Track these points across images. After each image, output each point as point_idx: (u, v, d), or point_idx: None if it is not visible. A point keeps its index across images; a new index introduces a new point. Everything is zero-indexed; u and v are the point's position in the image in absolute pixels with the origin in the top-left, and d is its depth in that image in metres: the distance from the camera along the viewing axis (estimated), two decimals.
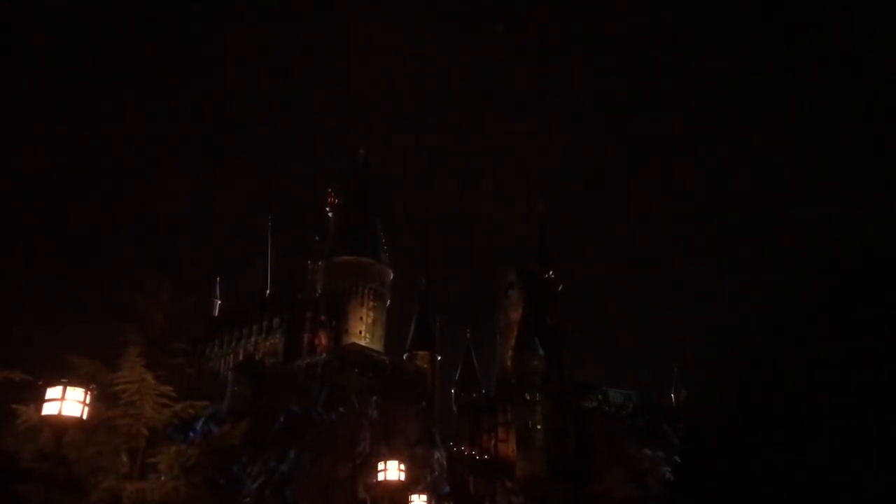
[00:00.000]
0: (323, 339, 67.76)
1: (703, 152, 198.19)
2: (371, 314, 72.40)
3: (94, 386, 10.44)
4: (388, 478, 18.37)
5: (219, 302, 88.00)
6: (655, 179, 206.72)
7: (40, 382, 10.27)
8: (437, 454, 57.98)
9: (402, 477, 18.57)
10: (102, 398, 12.48)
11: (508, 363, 75.10)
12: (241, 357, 70.57)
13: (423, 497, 22.37)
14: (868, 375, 18.54)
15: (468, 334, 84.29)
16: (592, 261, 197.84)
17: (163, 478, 13.61)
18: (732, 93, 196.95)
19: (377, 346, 69.28)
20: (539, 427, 68.77)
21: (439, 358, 74.39)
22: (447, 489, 56.72)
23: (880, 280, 19.40)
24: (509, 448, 69.96)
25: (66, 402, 9.83)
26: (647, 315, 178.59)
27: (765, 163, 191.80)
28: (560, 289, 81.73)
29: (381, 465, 19.04)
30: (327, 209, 78.37)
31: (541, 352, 72.19)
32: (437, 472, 56.14)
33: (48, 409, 9.87)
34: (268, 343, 69.80)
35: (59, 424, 9.98)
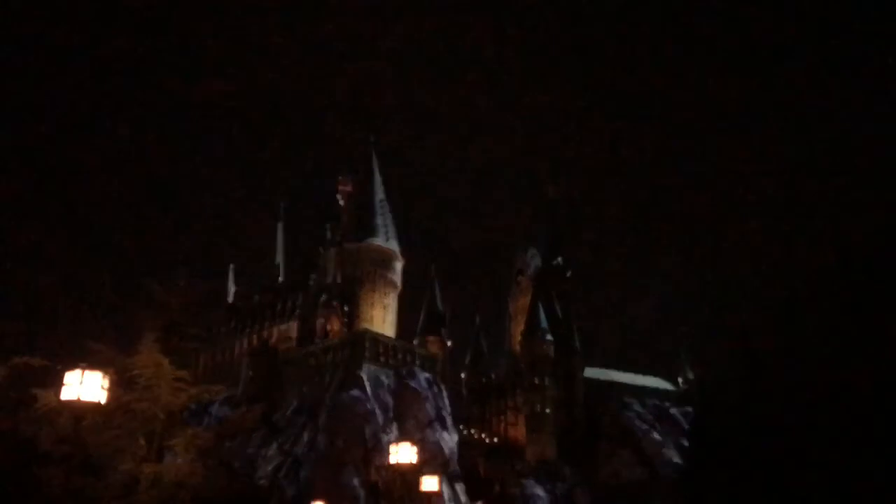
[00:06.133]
0: (335, 324, 68.21)
1: (712, 138, 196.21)
2: (382, 300, 72.72)
3: (112, 371, 10.71)
4: (400, 460, 18.75)
5: (233, 288, 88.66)
6: (664, 166, 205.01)
7: (59, 367, 10.54)
8: (447, 437, 58.42)
9: (414, 459, 18.95)
10: (120, 383, 12.80)
11: (518, 348, 75.31)
12: (255, 342, 71.19)
13: (434, 479, 22.72)
14: (876, 358, 18.57)
15: (478, 320, 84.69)
16: (602, 246, 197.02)
17: (179, 460, 13.94)
18: (737, 82, 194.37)
19: (389, 332, 69.63)
20: (548, 411, 69.05)
21: (449, 343, 74.76)
22: (458, 472, 57.22)
23: (887, 264, 19.36)
24: (519, 432, 70.37)
25: (85, 387, 10.07)
26: (656, 299, 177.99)
27: (774, 149, 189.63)
28: (569, 274, 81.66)
29: (393, 448, 19.44)
30: (338, 196, 78.53)
31: (550, 337, 72.30)
32: (447, 455, 56.60)
33: (67, 394, 10.12)
34: (281, 328, 70.31)
35: (78, 409, 10.23)
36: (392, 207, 78.32)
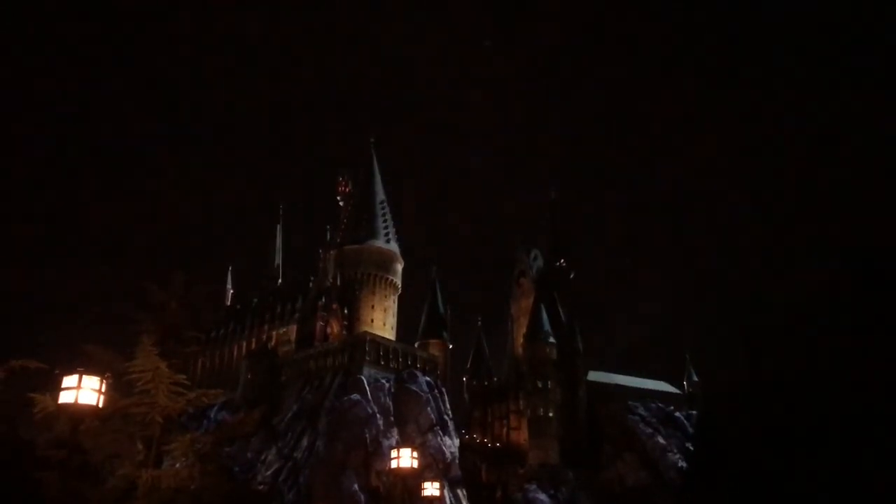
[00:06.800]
0: (335, 327, 67.97)
1: (716, 140, 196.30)
2: (383, 302, 72.51)
3: (110, 374, 10.52)
4: (401, 465, 18.50)
5: (231, 291, 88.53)
6: (669, 169, 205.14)
7: (56, 371, 10.37)
8: (449, 442, 58.11)
9: (415, 464, 18.68)
10: (117, 387, 12.58)
11: (520, 351, 74.97)
12: (254, 345, 70.95)
13: (436, 484, 22.46)
14: (881, 363, 18.34)
15: (479, 322, 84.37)
16: (604, 248, 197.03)
17: (177, 465, 13.72)
18: (737, 81, 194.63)
19: (389, 335, 69.41)
20: (551, 415, 68.68)
21: (451, 346, 74.47)
22: (459, 476, 56.86)
23: (893, 268, 19.14)
24: (521, 436, 70.01)
25: (82, 391, 9.96)
26: (660, 302, 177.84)
27: (777, 145, 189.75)
28: (571, 276, 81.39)
29: (394, 453, 19.18)
30: (338, 198, 78.35)
31: (552, 339, 72.00)
32: (449, 460, 56.28)
33: (64, 398, 10.00)
34: (281, 331, 70.09)
35: (76, 413, 10.11)
36: (392, 208, 78.25)
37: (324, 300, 69.02)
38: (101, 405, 10.16)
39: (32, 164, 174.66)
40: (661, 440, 70.45)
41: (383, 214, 76.12)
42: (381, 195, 77.75)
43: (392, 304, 73.63)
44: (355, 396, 56.41)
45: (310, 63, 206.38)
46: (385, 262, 73.55)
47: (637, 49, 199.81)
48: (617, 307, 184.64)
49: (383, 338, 65.62)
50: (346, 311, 69.40)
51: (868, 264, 20.13)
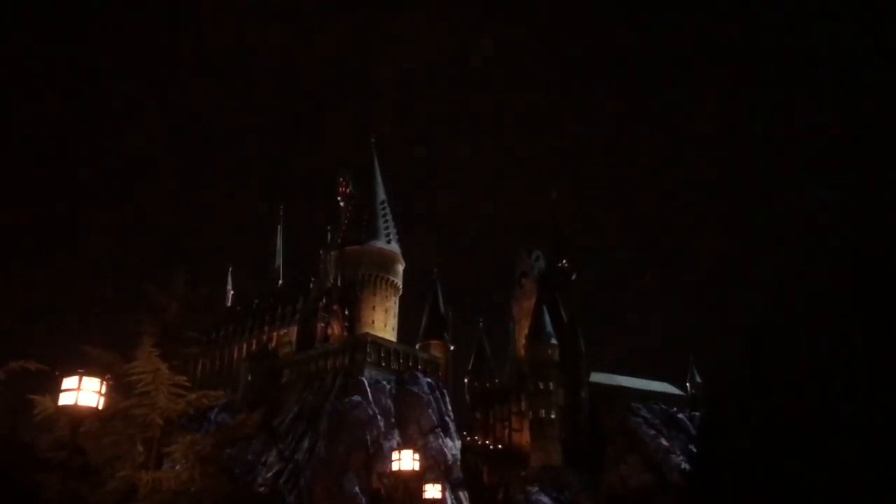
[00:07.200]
0: (336, 328, 67.91)
1: (716, 138, 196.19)
2: (384, 303, 72.44)
3: (110, 376, 10.44)
4: (402, 467, 18.40)
5: (231, 292, 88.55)
6: (669, 167, 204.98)
7: (56, 373, 10.30)
8: (450, 443, 58.02)
9: (417, 466, 18.58)
10: (118, 388, 12.50)
11: (522, 352, 74.92)
12: (254, 347, 70.93)
13: (437, 486, 22.33)
14: (883, 362, 18.27)
15: (481, 324, 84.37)
16: (607, 248, 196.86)
17: (178, 467, 13.64)
18: (743, 78, 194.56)
19: (390, 336, 69.34)
20: (553, 417, 68.59)
21: (452, 347, 74.41)
22: (461, 479, 56.78)
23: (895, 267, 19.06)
24: (523, 437, 69.93)
25: (83, 393, 9.88)
26: (663, 303, 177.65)
27: (778, 146, 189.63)
28: (573, 277, 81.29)
29: (395, 455, 19.08)
30: (339, 198, 78.30)
31: (554, 341, 71.93)
32: (450, 462, 56.19)
33: (65, 399, 9.92)
34: (281, 332, 70.08)
35: (76, 414, 10.03)
36: (393, 209, 78.17)
37: (324, 301, 68.96)
38: (101, 407, 10.07)
39: (32, 164, 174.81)
40: (664, 442, 70.32)
41: (384, 215, 76.05)
42: (381, 195, 77.67)
43: (393, 305, 73.56)
44: (356, 398, 56.34)
45: (310, 63, 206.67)
46: (386, 263, 73.47)
47: (640, 50, 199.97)
48: (619, 308, 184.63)
49: (384, 339, 65.55)
50: (346, 313, 69.32)
51: (868, 264, 20.05)
